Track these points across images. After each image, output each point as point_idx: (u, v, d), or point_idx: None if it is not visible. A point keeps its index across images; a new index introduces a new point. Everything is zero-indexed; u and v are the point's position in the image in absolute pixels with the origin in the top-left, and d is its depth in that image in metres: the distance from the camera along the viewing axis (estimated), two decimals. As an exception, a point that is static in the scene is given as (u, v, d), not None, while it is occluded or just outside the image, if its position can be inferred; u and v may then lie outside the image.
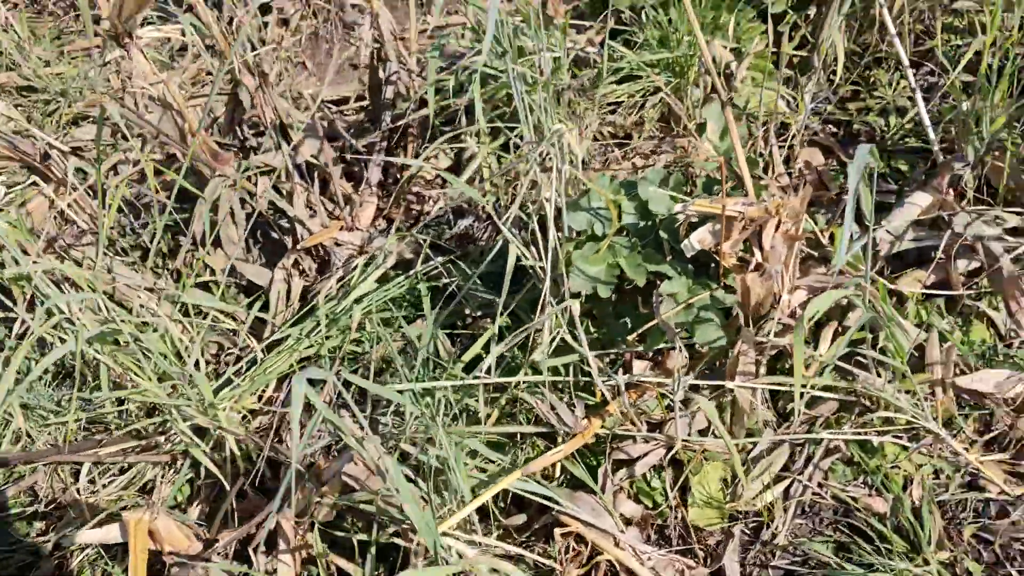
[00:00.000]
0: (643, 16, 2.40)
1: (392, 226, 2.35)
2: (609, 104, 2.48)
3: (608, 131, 2.44)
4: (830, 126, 2.37)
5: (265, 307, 2.24)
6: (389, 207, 2.38)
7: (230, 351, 2.15)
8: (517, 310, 2.02)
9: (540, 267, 1.76)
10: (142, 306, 1.98)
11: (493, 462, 1.76)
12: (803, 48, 2.47)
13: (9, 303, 2.04)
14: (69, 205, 2.08)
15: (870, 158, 1.16)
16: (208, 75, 3.20)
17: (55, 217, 2.25)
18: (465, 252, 2.28)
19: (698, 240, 1.64)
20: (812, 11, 2.47)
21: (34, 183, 2.18)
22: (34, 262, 1.72)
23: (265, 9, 3.10)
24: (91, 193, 2.19)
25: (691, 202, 1.61)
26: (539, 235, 1.73)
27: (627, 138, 2.38)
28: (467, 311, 2.14)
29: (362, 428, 1.79)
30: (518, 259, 1.77)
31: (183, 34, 1.98)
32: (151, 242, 2.20)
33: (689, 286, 1.71)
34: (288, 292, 2.22)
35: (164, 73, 2.03)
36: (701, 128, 1.76)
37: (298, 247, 2.15)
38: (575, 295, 1.82)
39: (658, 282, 1.74)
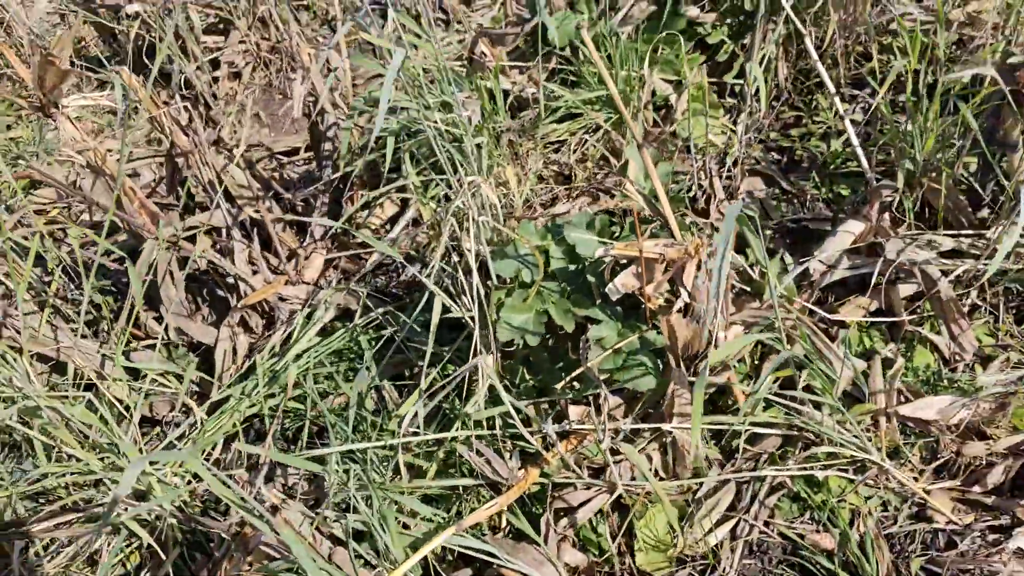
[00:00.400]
0: (579, 54, 2.40)
1: (340, 276, 2.33)
2: (554, 143, 2.47)
3: (554, 170, 2.43)
4: (773, 153, 2.36)
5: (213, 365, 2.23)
6: (338, 258, 2.37)
7: (174, 413, 2.14)
8: (459, 360, 2.00)
9: (470, 317, 1.74)
10: (79, 369, 1.97)
11: (430, 519, 1.73)
12: (742, 77, 2.47)
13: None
14: (7, 274, 2.08)
15: (747, 215, 1.15)
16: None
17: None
18: (411, 299, 2.26)
19: (621, 284, 1.62)
20: (749, 39, 2.47)
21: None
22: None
23: (217, 63, 3.12)
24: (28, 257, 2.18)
25: (611, 245, 1.60)
26: (466, 285, 1.71)
27: (570, 178, 2.38)
28: (413, 360, 2.12)
29: (288, 492, 1.78)
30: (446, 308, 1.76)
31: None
32: (94, 307, 2.19)
33: (619, 329, 1.69)
34: (234, 350, 2.20)
35: (95, 139, 2.03)
36: (625, 168, 1.75)
37: (239, 305, 2.14)
38: (507, 344, 1.80)
39: (589, 326, 1.72)
